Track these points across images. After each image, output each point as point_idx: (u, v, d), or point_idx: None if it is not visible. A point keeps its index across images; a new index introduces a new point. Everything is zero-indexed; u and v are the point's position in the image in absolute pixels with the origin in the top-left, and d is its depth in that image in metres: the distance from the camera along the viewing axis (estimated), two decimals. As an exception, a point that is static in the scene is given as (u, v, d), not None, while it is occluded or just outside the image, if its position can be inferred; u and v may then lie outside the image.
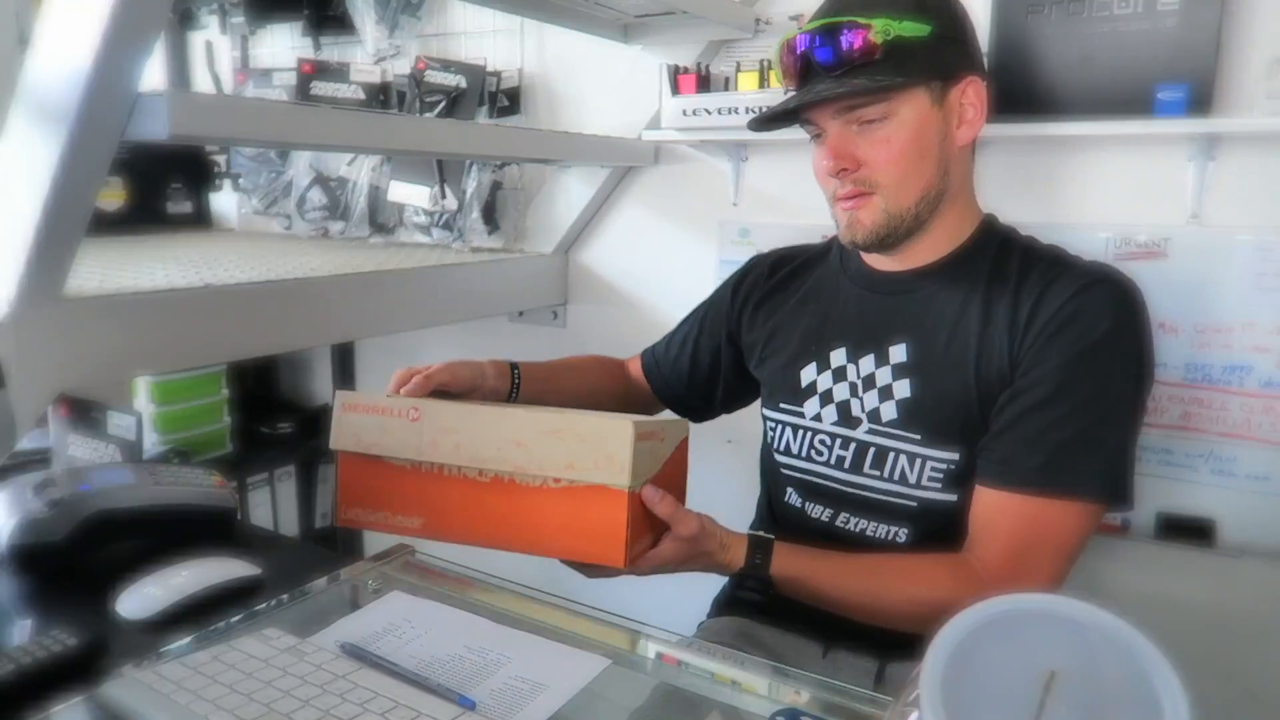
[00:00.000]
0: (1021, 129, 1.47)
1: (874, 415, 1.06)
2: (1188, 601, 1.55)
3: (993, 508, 0.96)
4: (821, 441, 1.08)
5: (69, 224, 1.04)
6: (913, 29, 0.95)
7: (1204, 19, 1.36)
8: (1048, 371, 0.96)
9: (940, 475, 1.02)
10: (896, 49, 0.95)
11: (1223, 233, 1.47)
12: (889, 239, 1.03)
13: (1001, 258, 1.07)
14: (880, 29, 0.93)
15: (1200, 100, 1.39)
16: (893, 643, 1.00)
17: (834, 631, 1.07)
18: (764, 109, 1.06)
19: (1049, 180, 1.57)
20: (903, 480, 1.04)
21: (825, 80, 0.95)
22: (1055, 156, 1.56)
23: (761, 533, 0.97)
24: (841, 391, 1.08)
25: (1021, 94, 1.48)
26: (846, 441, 1.06)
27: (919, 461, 1.03)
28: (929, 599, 0.90)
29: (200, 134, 1.09)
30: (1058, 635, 0.52)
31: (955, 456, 1.01)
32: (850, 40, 0.93)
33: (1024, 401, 0.97)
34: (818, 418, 1.09)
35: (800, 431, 1.11)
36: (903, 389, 1.05)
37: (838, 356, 1.09)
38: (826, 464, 1.07)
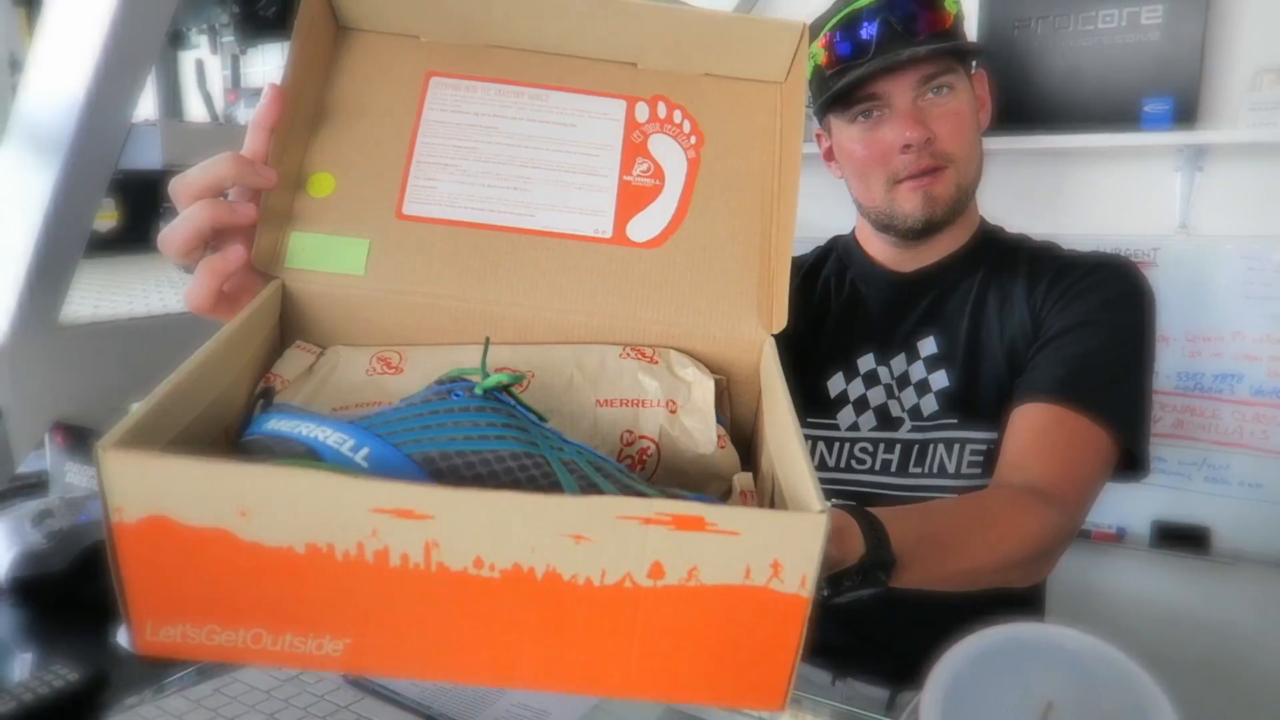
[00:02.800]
0: (1010, 142, 1.49)
1: (915, 412, 1.05)
2: (1183, 608, 1.55)
3: (1018, 422, 0.93)
4: (863, 450, 1.07)
5: (64, 254, 1.04)
6: (957, 6, 0.99)
7: (1187, 32, 1.38)
8: (1072, 318, 0.97)
9: (980, 458, 1.01)
10: (957, 21, 0.99)
11: (1211, 242, 1.48)
12: (951, 217, 1.02)
13: (1005, 250, 1.08)
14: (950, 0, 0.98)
15: (1186, 112, 1.41)
16: (904, 670, 1.00)
17: (844, 659, 1.07)
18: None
19: (1037, 192, 1.58)
20: (941, 472, 1.03)
21: (907, 47, 0.95)
22: (1043, 168, 1.57)
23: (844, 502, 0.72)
24: (877, 396, 1.07)
25: (1009, 107, 1.49)
26: (891, 444, 1.05)
27: (956, 448, 1.02)
28: (1034, 530, 0.82)
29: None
30: (1055, 666, 0.53)
31: (993, 436, 1.00)
32: (932, 5, 0.96)
33: (1049, 340, 0.97)
34: (854, 426, 1.08)
35: (836, 444, 1.09)
36: (940, 380, 1.05)
37: (865, 362, 1.08)
38: (870, 470, 1.06)
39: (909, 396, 1.07)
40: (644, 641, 0.41)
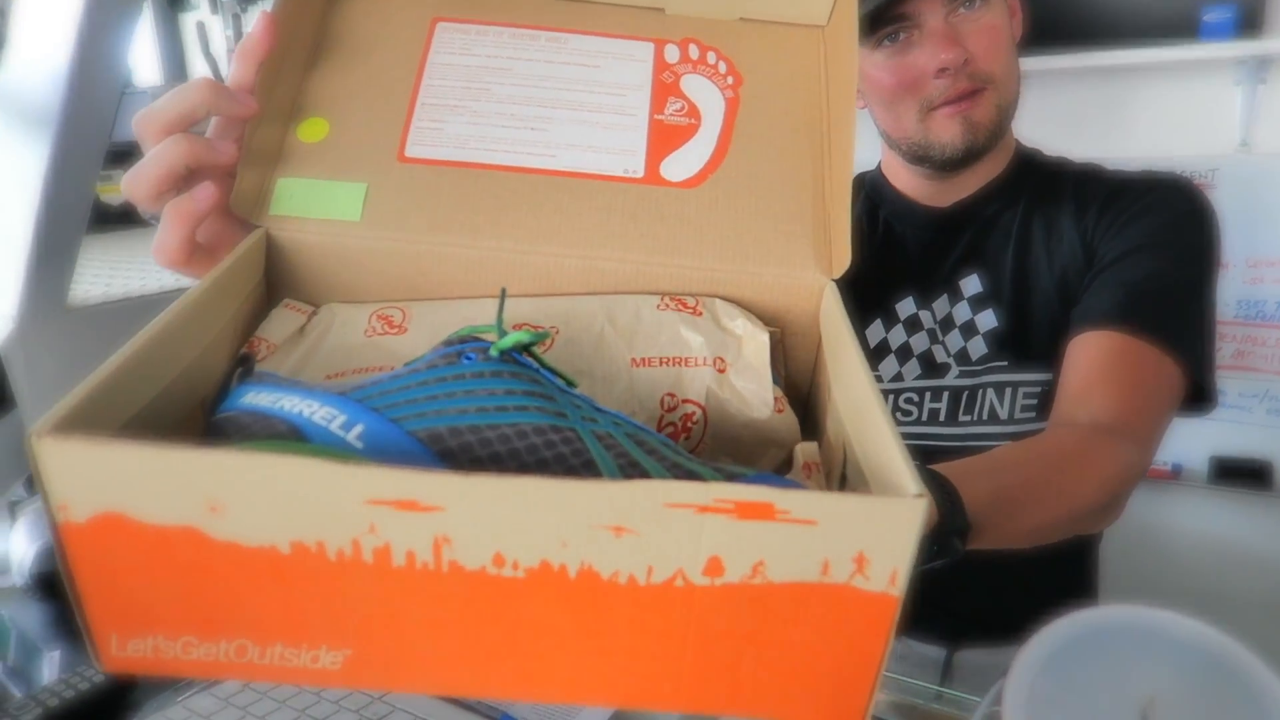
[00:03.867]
0: (1057, 61, 1.38)
1: (962, 356, 0.98)
2: (1243, 547, 1.48)
3: (1076, 354, 0.84)
4: (908, 400, 1.00)
5: (66, 232, 0.98)
6: None
7: (1257, -63, 1.26)
8: (1129, 242, 0.89)
9: (1033, 401, 0.94)
10: None
11: (1273, 160, 1.38)
12: (991, 142, 0.93)
13: (1047, 175, 0.99)
14: None
15: (1249, 21, 1.30)
16: (961, 629, 0.94)
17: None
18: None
19: (1086, 113, 1.47)
20: (993, 418, 0.96)
21: None
22: (1093, 88, 1.46)
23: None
24: (920, 342, 0.99)
25: (1057, 22, 1.38)
26: (938, 392, 0.98)
27: (1009, 391, 0.95)
28: (1110, 471, 0.74)
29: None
30: (1157, 655, 0.46)
31: (1047, 377, 0.92)
32: None
33: (1106, 266, 0.89)
34: (898, 377, 1.01)
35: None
36: (987, 320, 0.97)
37: (905, 307, 1.00)
38: (917, 422, 0.99)
39: (954, 340, 0.99)
40: (699, 648, 0.34)
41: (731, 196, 0.47)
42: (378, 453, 0.32)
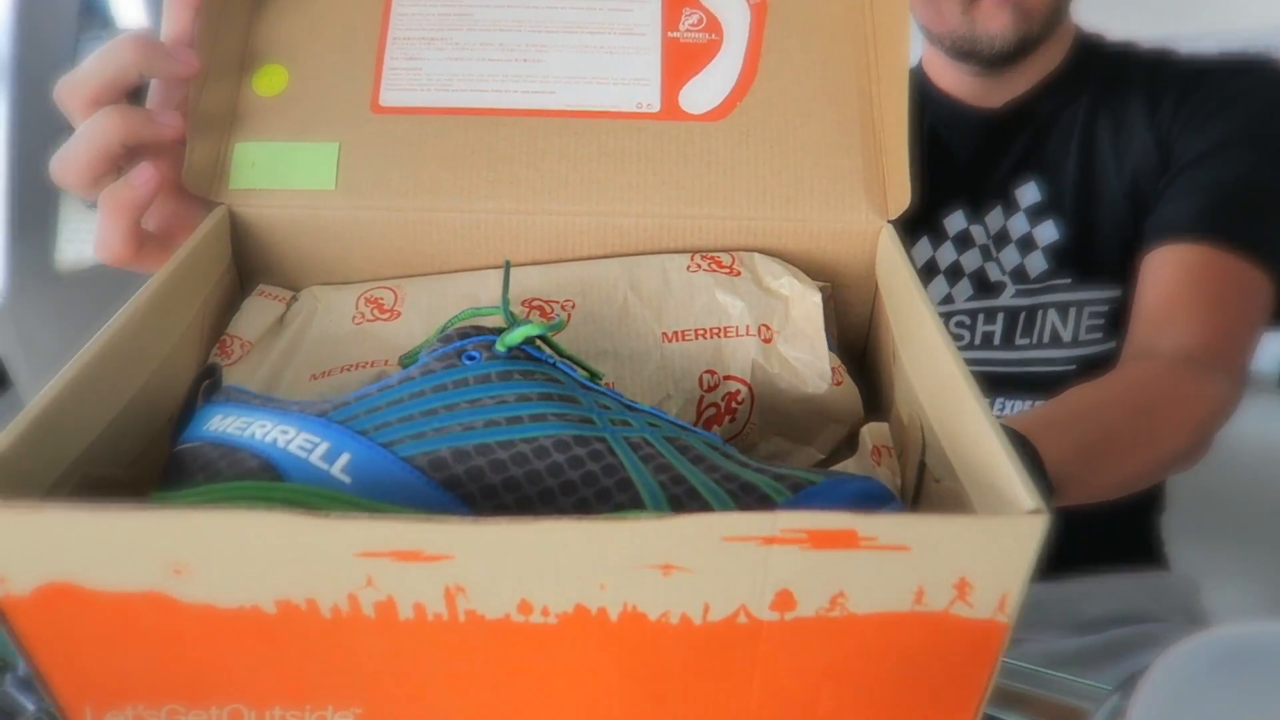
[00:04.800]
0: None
1: (1019, 274, 0.90)
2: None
3: (1154, 271, 0.77)
4: (959, 324, 0.92)
5: (41, 191, 0.92)
6: None
7: None
8: (1211, 138, 0.80)
9: (1100, 321, 0.86)
10: None
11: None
12: (1047, 31, 0.83)
13: (1113, 65, 0.89)
14: None
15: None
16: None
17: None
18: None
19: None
20: (1055, 340, 0.89)
21: None
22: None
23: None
24: (971, 260, 0.91)
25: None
26: (992, 314, 0.90)
27: (1072, 311, 0.87)
28: (1204, 410, 0.68)
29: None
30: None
31: (1116, 293, 0.85)
32: None
33: (1184, 168, 0.80)
34: (948, 299, 0.93)
35: None
36: (1047, 233, 0.88)
37: (954, 221, 0.92)
38: (970, 346, 0.91)
39: (1010, 256, 0.91)
40: (768, 687, 0.29)
41: (764, 128, 0.40)
42: (369, 487, 0.27)
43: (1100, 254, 0.87)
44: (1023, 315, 0.90)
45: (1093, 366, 0.86)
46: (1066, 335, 0.88)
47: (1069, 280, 0.87)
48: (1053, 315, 0.89)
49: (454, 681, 0.29)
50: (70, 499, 0.28)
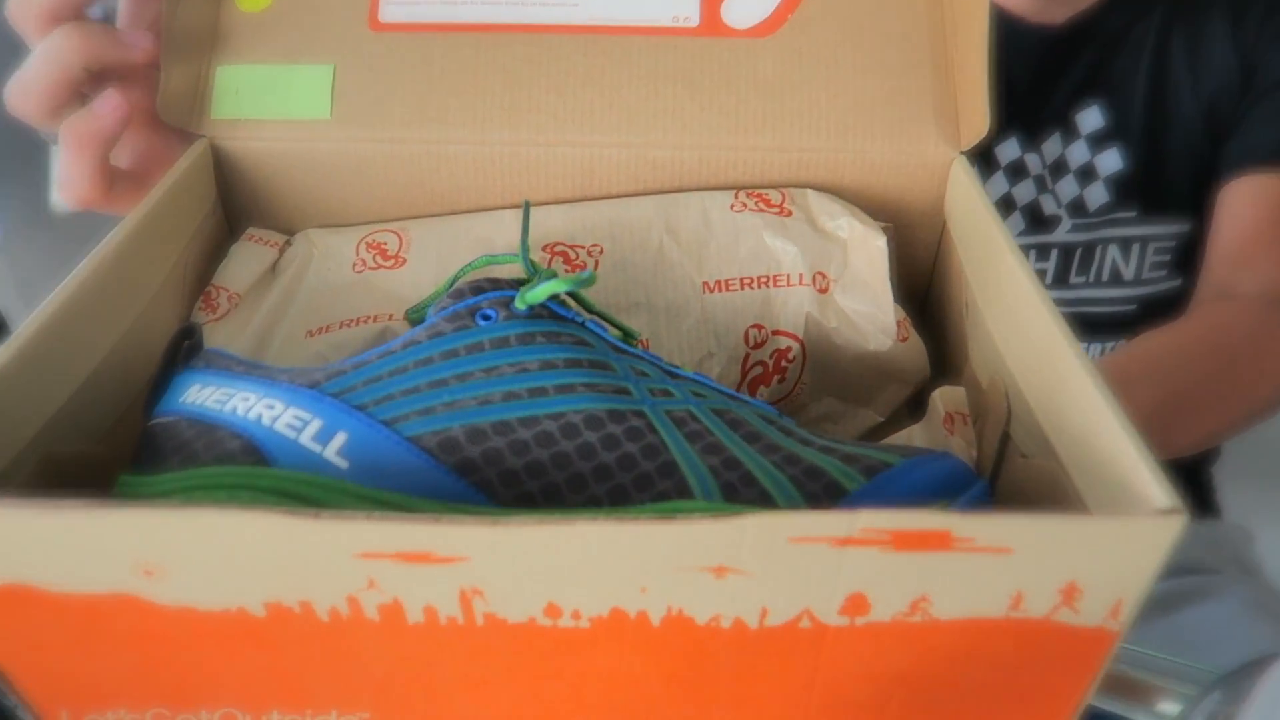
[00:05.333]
0: None
1: (1077, 206, 0.84)
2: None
3: (1233, 202, 0.71)
4: None
5: (19, 129, 0.87)
6: None
7: None
8: None
9: (1166, 258, 0.81)
10: None
11: None
12: None
13: None
14: None
15: None
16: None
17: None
18: None
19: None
20: (1115, 279, 0.83)
21: None
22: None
23: None
24: (1025, 192, 0.85)
25: None
26: (1045, 250, 0.84)
27: (1135, 247, 0.82)
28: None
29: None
30: None
31: (1185, 228, 0.79)
32: None
33: (1271, 88, 0.74)
34: None
35: None
36: (1110, 161, 0.82)
37: (1007, 150, 0.85)
38: None
39: (1068, 187, 0.84)
40: (829, 694, 0.25)
41: (819, 45, 0.35)
42: (369, 472, 0.23)
43: (1169, 184, 0.80)
44: (1079, 252, 0.84)
45: (1155, 307, 0.81)
46: (1128, 273, 0.82)
47: (1133, 213, 0.81)
48: (1113, 251, 0.83)
49: (472, 687, 0.25)
50: (28, 485, 0.25)
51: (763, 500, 0.23)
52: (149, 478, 0.24)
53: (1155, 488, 0.21)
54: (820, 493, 0.23)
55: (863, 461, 0.24)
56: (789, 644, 0.24)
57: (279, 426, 0.23)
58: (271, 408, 0.24)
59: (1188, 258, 0.79)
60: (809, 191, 0.34)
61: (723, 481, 0.23)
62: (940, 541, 0.21)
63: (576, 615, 0.23)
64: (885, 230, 0.34)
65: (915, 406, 0.35)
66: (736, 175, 0.35)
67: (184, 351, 0.27)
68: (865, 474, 0.23)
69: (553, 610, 0.23)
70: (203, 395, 0.25)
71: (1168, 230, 0.81)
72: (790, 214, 0.34)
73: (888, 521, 0.20)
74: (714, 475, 0.23)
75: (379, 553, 0.21)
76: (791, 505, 0.22)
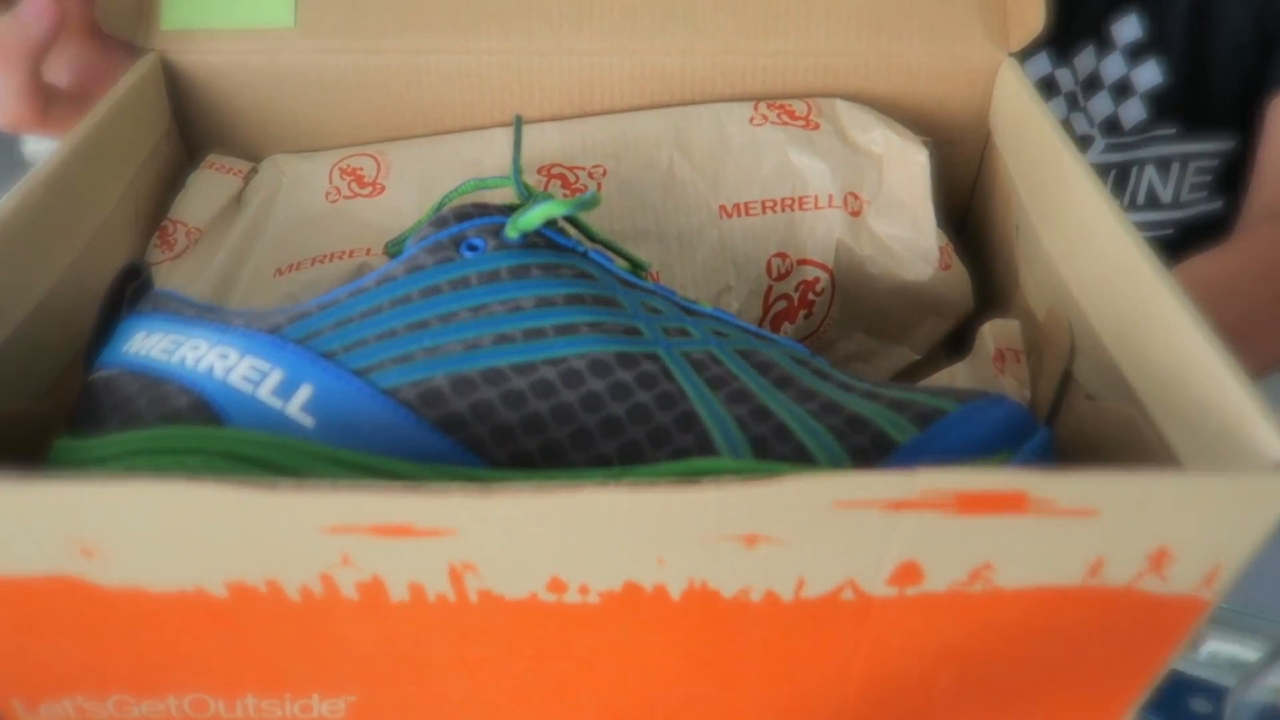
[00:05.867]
0: None
1: (1111, 125, 0.79)
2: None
3: None
4: None
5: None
6: None
7: None
8: None
9: (1207, 179, 0.76)
10: None
11: None
12: None
13: None
14: None
15: None
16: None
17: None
18: None
19: None
20: (1151, 202, 0.79)
21: None
22: None
23: None
24: (1054, 110, 0.80)
25: None
26: None
27: (1175, 167, 0.77)
28: None
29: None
30: None
31: (1230, 145, 0.74)
32: None
33: None
34: None
35: None
36: (1148, 75, 0.76)
37: (1036, 65, 0.80)
38: None
39: (1101, 104, 0.79)
40: (872, 669, 0.23)
41: (846, -67, 0.31)
42: (339, 431, 0.20)
43: (1213, 99, 0.75)
44: (1113, 174, 0.80)
45: (1194, 232, 0.77)
46: (1165, 195, 0.78)
47: (1172, 131, 0.76)
48: (1150, 172, 0.78)
49: (469, 667, 0.23)
50: (-48, 448, 0.22)
51: (799, 456, 0.19)
52: (87, 441, 0.20)
53: (1268, 437, 0.17)
54: (867, 446, 0.19)
55: (913, 408, 0.20)
56: (828, 617, 0.21)
57: (233, 379, 0.20)
58: (225, 357, 0.20)
59: (1231, 178, 0.74)
60: (838, 101, 0.30)
61: (752, 435, 0.20)
62: (1014, 504, 0.18)
63: (584, 590, 0.20)
64: (924, 144, 0.30)
65: (954, 342, 0.32)
66: (756, 85, 0.31)
67: (129, 294, 0.24)
68: (917, 423, 0.20)
69: (557, 585, 0.20)
70: (148, 344, 0.21)
71: (1209, 148, 0.76)
72: (817, 127, 0.30)
73: (953, 481, 0.17)
74: (741, 428, 0.20)
75: (351, 526, 0.18)
76: (833, 462, 0.19)
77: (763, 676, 0.23)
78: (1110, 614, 0.20)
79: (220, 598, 0.20)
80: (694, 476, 0.19)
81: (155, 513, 0.18)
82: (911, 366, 0.31)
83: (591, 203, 0.21)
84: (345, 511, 0.17)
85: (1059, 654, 0.22)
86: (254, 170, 0.32)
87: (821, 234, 0.29)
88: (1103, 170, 0.79)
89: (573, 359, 0.20)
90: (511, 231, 0.22)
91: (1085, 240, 0.24)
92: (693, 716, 0.24)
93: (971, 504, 0.18)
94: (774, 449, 0.19)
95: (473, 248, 0.22)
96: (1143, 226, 0.79)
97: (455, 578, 0.19)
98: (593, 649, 0.22)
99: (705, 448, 0.20)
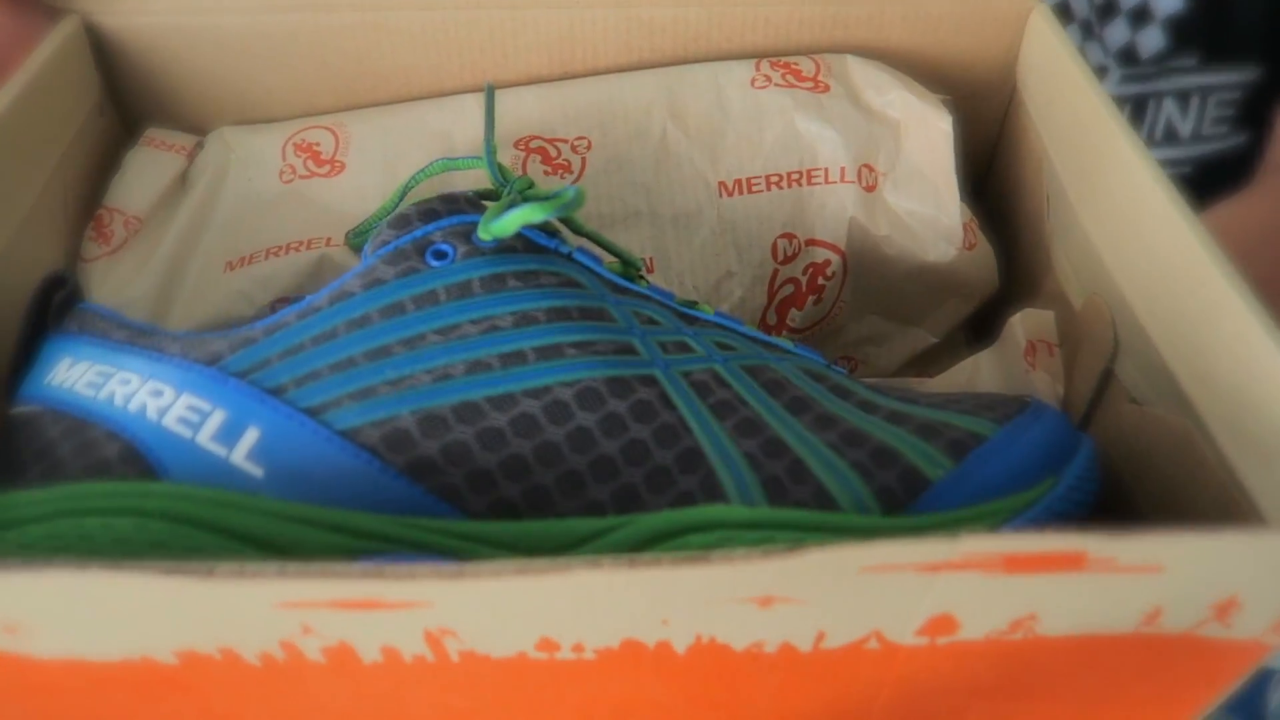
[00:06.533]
0: None
1: (1127, 55, 0.75)
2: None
3: None
4: None
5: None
6: None
7: None
8: None
9: (1230, 111, 0.73)
10: None
11: None
12: None
13: None
14: None
15: None
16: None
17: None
18: None
19: None
20: (1170, 138, 0.75)
21: None
22: None
23: None
24: None
25: None
26: None
27: (1195, 100, 0.73)
28: None
29: None
30: None
31: (1253, 77, 0.71)
32: None
33: None
34: None
35: None
36: (1167, 1, 0.72)
37: None
38: None
39: (1116, 33, 0.75)
40: (894, 709, 0.20)
41: None
42: (292, 482, 0.17)
43: (1236, 25, 0.71)
44: (1129, 108, 0.76)
45: (1214, 169, 0.73)
46: (1185, 130, 0.74)
47: (1193, 61, 0.72)
48: (1169, 105, 0.74)
49: (454, 715, 0.21)
50: None
51: (819, 500, 0.17)
52: (5, 496, 0.18)
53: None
54: (895, 486, 0.17)
55: (945, 434, 0.18)
56: (850, 664, 0.19)
57: (169, 422, 0.17)
58: (159, 394, 0.18)
59: (1255, 111, 0.70)
60: (849, 58, 0.27)
61: (765, 476, 0.17)
62: (1070, 563, 0.15)
63: (579, 649, 0.18)
64: (947, 106, 0.27)
65: (974, 323, 0.29)
66: (757, 40, 0.28)
67: (55, 305, 0.21)
68: (952, 454, 0.18)
69: (547, 645, 0.18)
70: (73, 374, 0.19)
71: (1232, 79, 0.72)
72: (827, 89, 0.26)
73: (1001, 545, 0.15)
74: (753, 466, 0.17)
75: (307, 603, 0.15)
76: (858, 506, 0.17)
77: (779, 714, 0.21)
78: (1163, 658, 0.18)
79: (169, 664, 0.18)
80: (700, 530, 0.17)
81: (78, 600, 0.15)
82: (928, 351, 0.29)
83: (575, 203, 0.19)
84: (298, 589, 0.15)
85: (1102, 691, 0.20)
86: (199, 146, 0.29)
87: (832, 212, 0.26)
88: (1118, 103, 0.76)
89: (558, 388, 0.18)
90: (484, 234, 0.19)
91: (1133, 224, 0.21)
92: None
93: (1021, 565, 0.15)
94: (790, 493, 0.17)
95: (440, 255, 0.19)
96: (1160, 165, 0.76)
97: (433, 641, 0.17)
98: (592, 699, 0.20)
99: (712, 491, 0.17)
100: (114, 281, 0.26)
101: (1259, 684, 0.25)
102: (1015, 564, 0.15)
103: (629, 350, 0.18)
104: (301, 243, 0.26)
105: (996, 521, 0.17)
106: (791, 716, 0.20)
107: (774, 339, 0.20)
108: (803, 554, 0.14)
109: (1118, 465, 0.22)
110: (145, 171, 0.28)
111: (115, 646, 0.17)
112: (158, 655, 0.17)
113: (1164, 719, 0.20)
